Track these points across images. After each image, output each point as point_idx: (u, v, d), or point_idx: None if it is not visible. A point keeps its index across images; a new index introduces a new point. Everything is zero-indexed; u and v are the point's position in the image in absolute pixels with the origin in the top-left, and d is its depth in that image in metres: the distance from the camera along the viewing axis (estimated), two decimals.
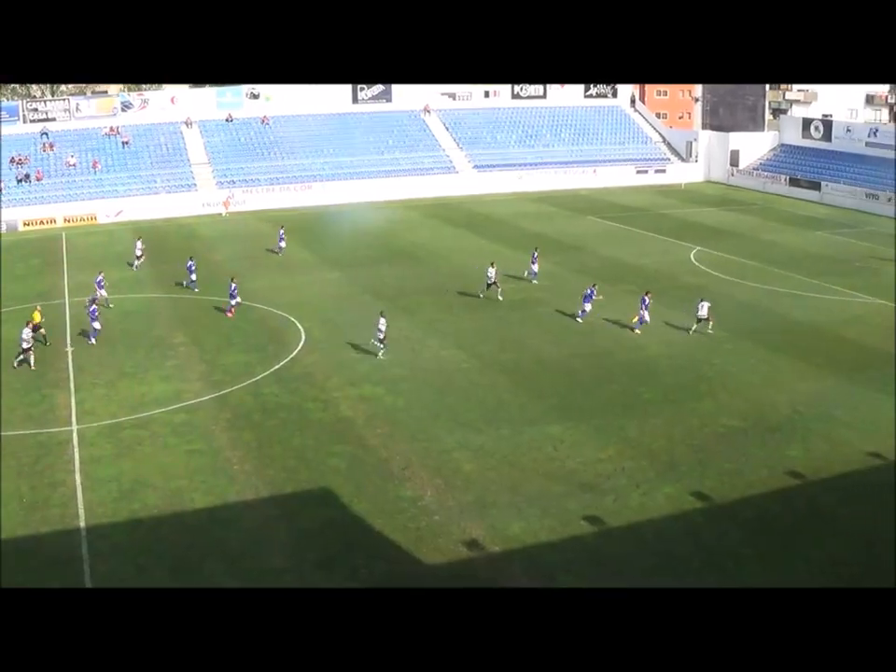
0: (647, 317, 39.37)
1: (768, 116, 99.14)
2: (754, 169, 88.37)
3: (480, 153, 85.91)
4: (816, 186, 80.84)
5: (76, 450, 27.69)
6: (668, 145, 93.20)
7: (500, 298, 44.24)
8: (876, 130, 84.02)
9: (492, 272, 44.43)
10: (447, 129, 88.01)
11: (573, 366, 35.30)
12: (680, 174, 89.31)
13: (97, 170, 73.13)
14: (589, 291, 41.41)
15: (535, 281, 47.50)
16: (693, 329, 39.28)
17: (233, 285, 41.79)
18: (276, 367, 34.94)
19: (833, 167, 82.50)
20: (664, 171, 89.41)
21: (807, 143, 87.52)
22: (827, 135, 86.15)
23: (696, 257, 55.19)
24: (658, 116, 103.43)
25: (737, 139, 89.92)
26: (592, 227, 65.26)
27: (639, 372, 34.61)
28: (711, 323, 39.43)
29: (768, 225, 67.24)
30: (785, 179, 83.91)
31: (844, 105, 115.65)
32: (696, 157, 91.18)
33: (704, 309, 39.23)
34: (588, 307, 41.20)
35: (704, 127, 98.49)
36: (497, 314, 42.27)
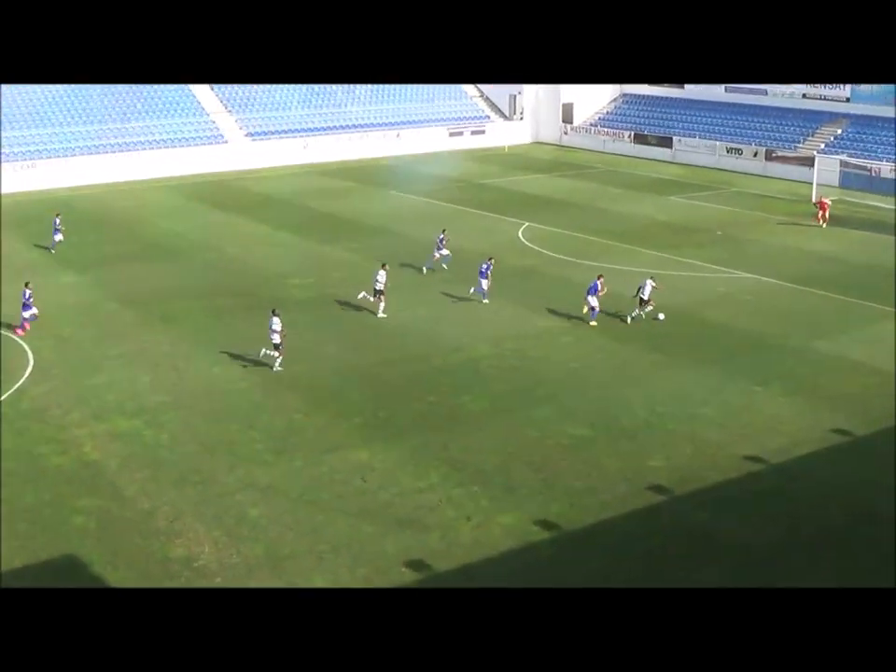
0: (595, 304, 39.92)
1: None
2: (592, 125, 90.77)
3: (254, 118, 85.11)
4: (666, 142, 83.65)
5: None
6: (487, 100, 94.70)
7: (382, 315, 41.53)
8: None
9: (382, 275, 41.78)
10: (212, 88, 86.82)
11: (381, 376, 35.19)
12: (503, 134, 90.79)
13: None
14: (485, 266, 43.09)
15: (445, 266, 47.74)
16: (635, 314, 40.34)
17: (28, 292, 40.64)
18: None
19: (687, 119, 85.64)
20: (482, 132, 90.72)
21: (654, 91, 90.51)
22: None
23: (525, 234, 56.10)
24: None
25: (570, 90, 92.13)
26: (397, 203, 65.54)
27: (462, 378, 34.78)
28: (652, 307, 40.39)
29: (611, 192, 69.07)
30: (629, 136, 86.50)
31: None
32: (521, 114, 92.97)
33: (647, 288, 40.41)
34: (486, 284, 42.54)
35: None
36: (282, 317, 41.70)
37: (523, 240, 54.86)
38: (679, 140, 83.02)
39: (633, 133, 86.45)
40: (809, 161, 69.79)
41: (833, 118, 78.56)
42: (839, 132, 77.29)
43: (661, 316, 40.38)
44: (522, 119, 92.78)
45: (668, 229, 57.36)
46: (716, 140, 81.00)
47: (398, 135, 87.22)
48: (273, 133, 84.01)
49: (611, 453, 29.02)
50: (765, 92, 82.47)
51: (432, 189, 70.10)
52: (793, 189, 69.78)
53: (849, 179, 69.06)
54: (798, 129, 79.11)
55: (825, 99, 79.38)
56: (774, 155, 76.63)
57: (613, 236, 55.15)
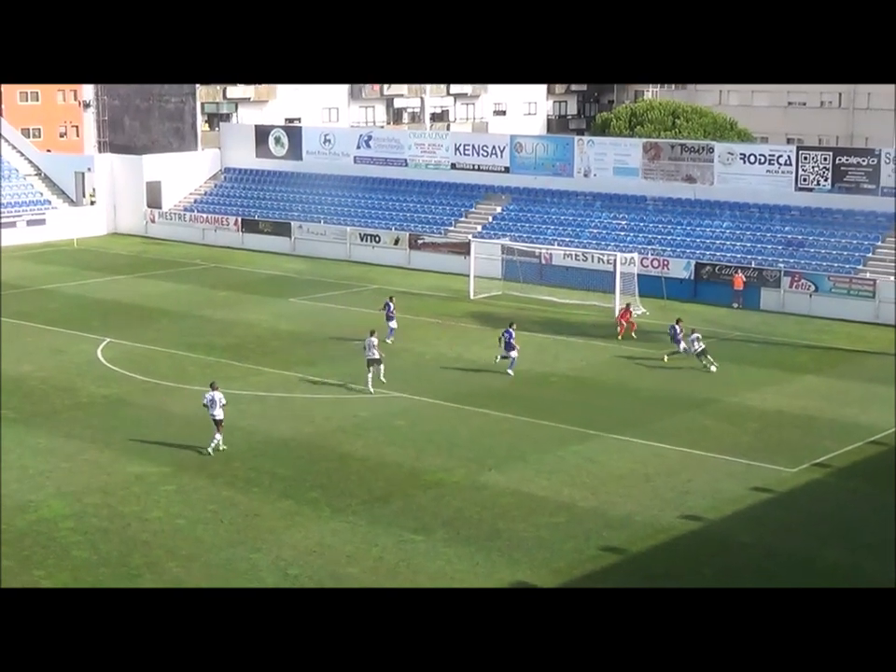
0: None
1: (202, 125, 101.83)
2: (187, 210, 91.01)
3: None
4: (284, 229, 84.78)
5: None
6: (47, 179, 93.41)
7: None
8: (369, 137, 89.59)
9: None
10: None
11: None
12: (70, 225, 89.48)
13: None
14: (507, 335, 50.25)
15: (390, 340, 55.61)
16: (705, 363, 51.97)
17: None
18: None
19: (307, 199, 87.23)
20: (42, 222, 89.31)
21: (269, 164, 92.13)
22: (295, 150, 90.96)
23: (106, 353, 55.17)
24: (27, 134, 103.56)
25: (156, 165, 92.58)
26: None
27: (33, 548, 33.34)
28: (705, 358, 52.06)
29: (215, 295, 69.19)
30: (236, 222, 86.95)
31: (312, 99, 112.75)
32: (93, 196, 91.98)
33: (696, 343, 51.70)
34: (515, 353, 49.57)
35: (102, 149, 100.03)
36: None
37: (103, 361, 53.90)
38: (300, 226, 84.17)
39: (240, 220, 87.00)
40: (464, 248, 72.08)
41: (490, 192, 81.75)
42: (499, 210, 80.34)
43: (713, 368, 51.69)
44: (94, 203, 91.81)
45: (294, 340, 57.75)
46: (346, 225, 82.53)
47: None
48: None
49: None
50: (405, 163, 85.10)
51: None
52: (446, 283, 72.06)
53: (514, 269, 70.33)
54: (448, 208, 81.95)
55: (479, 170, 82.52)
56: (420, 242, 78.69)
57: (222, 352, 54.99)
